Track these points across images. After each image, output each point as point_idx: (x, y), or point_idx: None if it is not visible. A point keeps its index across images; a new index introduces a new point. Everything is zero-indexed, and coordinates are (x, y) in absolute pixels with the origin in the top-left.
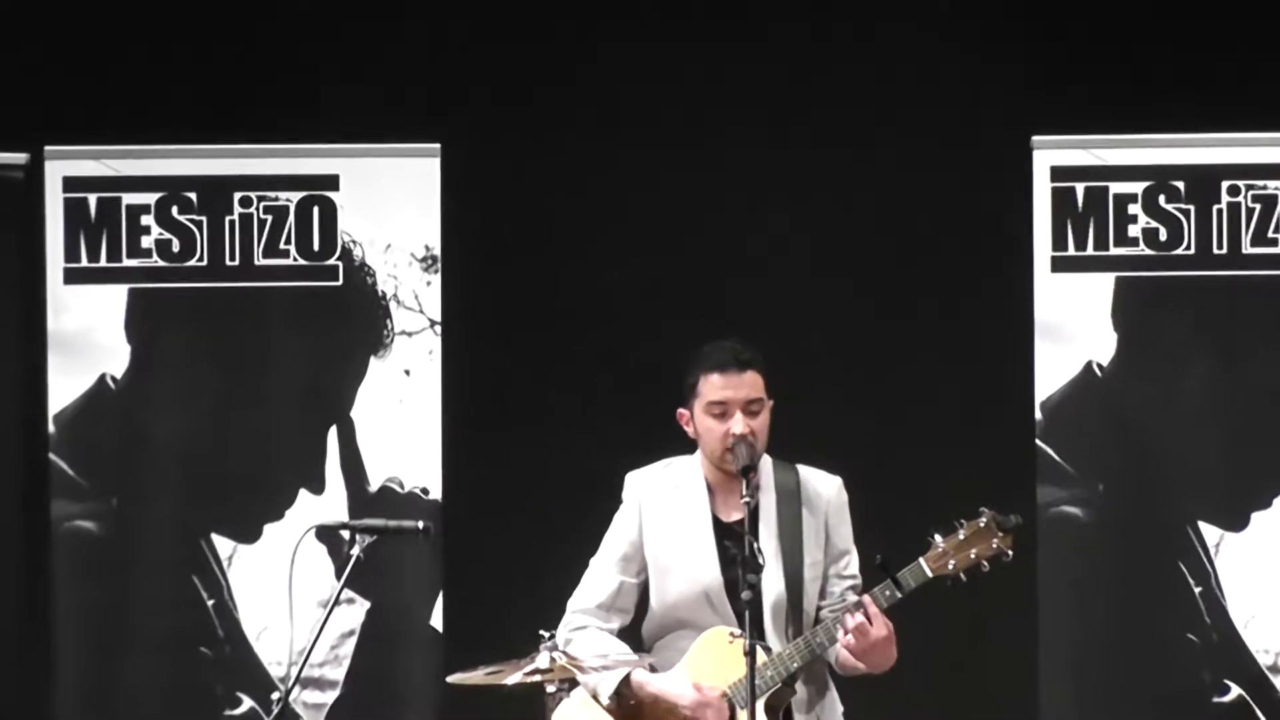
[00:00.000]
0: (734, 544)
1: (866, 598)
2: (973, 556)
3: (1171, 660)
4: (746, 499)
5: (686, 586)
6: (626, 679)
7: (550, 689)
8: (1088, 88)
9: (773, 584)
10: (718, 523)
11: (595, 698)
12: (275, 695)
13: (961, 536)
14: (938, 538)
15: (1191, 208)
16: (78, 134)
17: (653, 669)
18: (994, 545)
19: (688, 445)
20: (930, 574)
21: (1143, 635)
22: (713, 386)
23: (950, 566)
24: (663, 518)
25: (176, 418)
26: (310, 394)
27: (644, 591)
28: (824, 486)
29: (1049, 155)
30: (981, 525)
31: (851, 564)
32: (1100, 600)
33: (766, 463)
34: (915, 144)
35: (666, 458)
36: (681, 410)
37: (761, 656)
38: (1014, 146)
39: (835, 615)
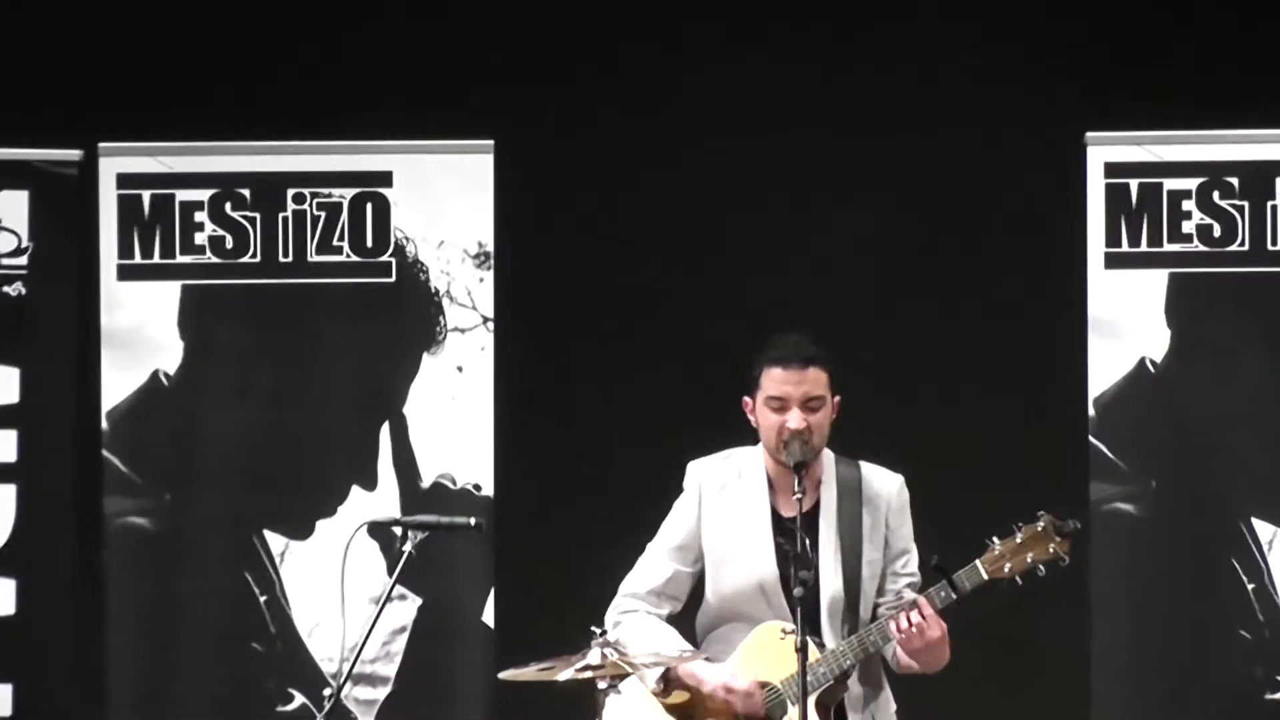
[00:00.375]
0: (791, 537)
1: (921, 598)
2: (1029, 560)
3: (1224, 656)
4: (798, 495)
5: (742, 579)
6: (674, 669)
7: (601, 685)
8: (1141, 84)
9: (830, 581)
10: (776, 516)
11: (643, 681)
12: (327, 691)
13: (1019, 540)
14: (995, 540)
15: (1246, 204)
16: (132, 131)
17: (707, 661)
18: (1050, 550)
19: (735, 438)
20: (986, 576)
21: (1195, 631)
22: (773, 380)
23: (1006, 570)
24: (722, 509)
25: (229, 414)
26: (363, 390)
27: (697, 581)
28: (885, 484)
29: (1103, 151)
30: (1039, 529)
31: (911, 563)
32: (1153, 596)
33: (829, 458)
34: (969, 141)
35: (718, 449)
36: (746, 399)
37: (814, 653)
38: (1068, 143)
39: (890, 614)
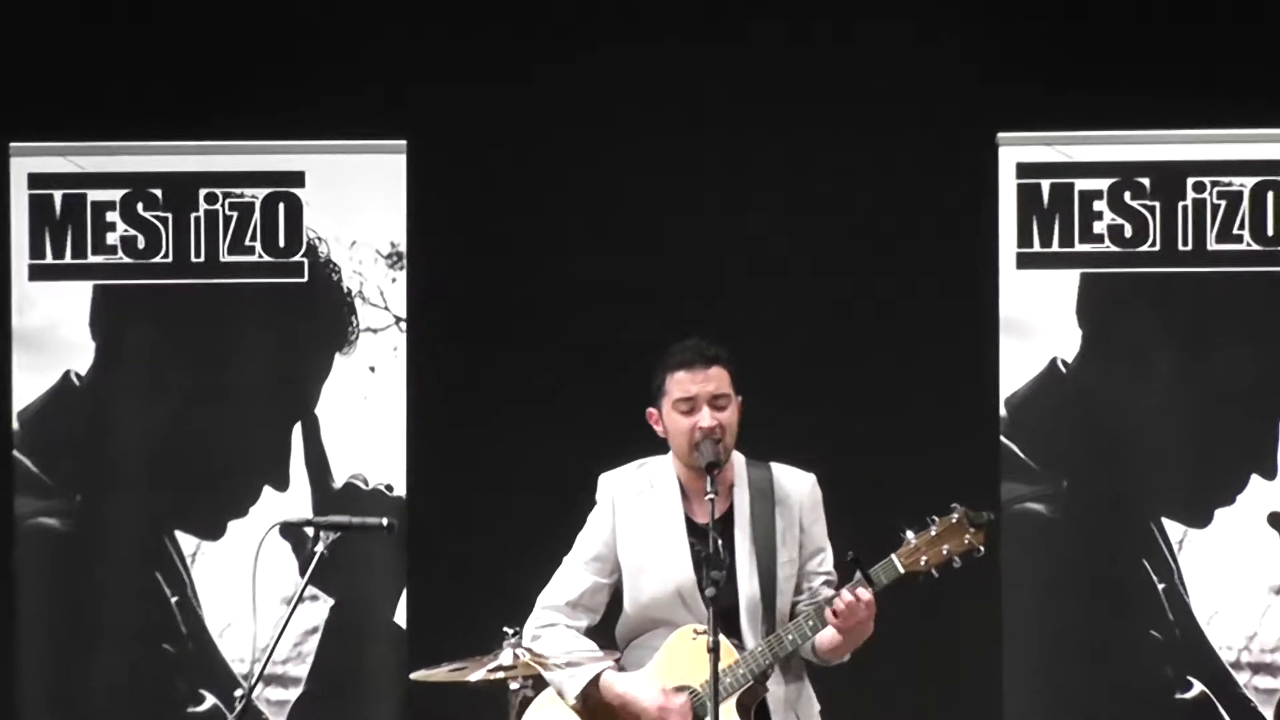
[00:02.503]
0: (707, 544)
1: (845, 590)
2: (945, 552)
3: (1135, 656)
4: (711, 495)
5: (660, 586)
6: (595, 679)
7: (514, 686)
8: (1053, 84)
9: (747, 583)
10: (690, 523)
11: (561, 696)
12: (238, 692)
13: (934, 532)
14: (910, 534)
15: (1157, 204)
16: (43, 130)
17: (621, 667)
18: (966, 541)
19: (651, 443)
20: (903, 570)
21: (1106, 631)
22: (679, 383)
23: (923, 562)
24: (636, 518)
25: (141, 415)
26: (275, 391)
27: (614, 592)
28: (797, 484)
29: (1014, 152)
30: (954, 521)
31: (826, 560)
32: (1064, 596)
33: (740, 461)
34: (880, 141)
35: (633, 454)
36: (650, 410)
37: (732, 654)
38: (979, 143)
39: (806, 612)
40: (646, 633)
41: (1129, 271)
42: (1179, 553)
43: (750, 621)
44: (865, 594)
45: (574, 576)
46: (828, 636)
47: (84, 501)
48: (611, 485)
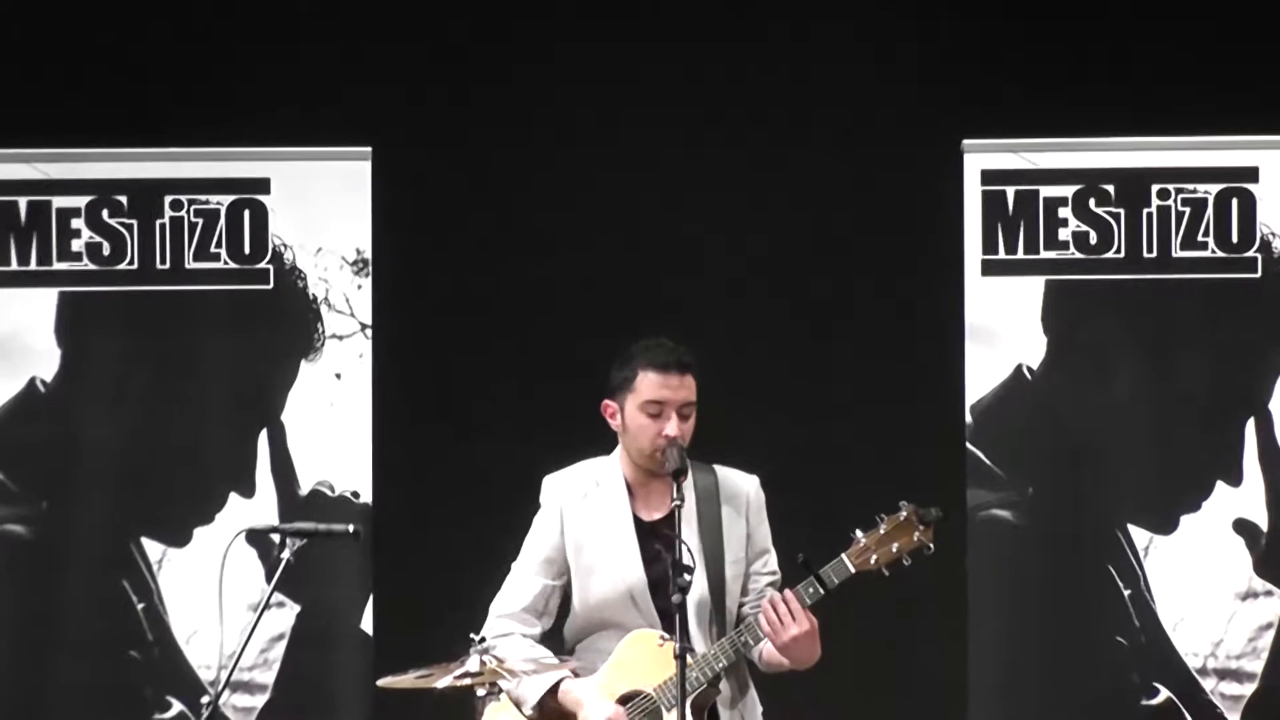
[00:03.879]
0: (656, 543)
1: (787, 592)
2: (894, 550)
3: (1101, 662)
4: (677, 502)
5: (610, 587)
6: (553, 688)
7: (480, 692)
8: (1018, 91)
9: (696, 584)
10: (639, 522)
11: (518, 705)
12: (205, 699)
13: (882, 531)
14: (859, 533)
15: (1121, 211)
16: (7, 137)
17: (576, 673)
18: (915, 538)
19: (609, 448)
20: (853, 569)
21: (1072, 638)
22: (651, 384)
23: (873, 561)
24: (583, 518)
25: (107, 421)
26: (241, 397)
27: (566, 594)
28: (742, 485)
29: (979, 159)
30: (902, 519)
31: (771, 561)
32: (1030, 603)
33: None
34: (844, 147)
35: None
36: (609, 402)
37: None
38: (944, 150)
39: (757, 613)
40: (595, 634)
41: (1094, 278)
42: (1145, 559)
43: (700, 623)
44: (782, 609)
45: (525, 582)
46: (771, 651)
47: (50, 508)
48: (556, 487)
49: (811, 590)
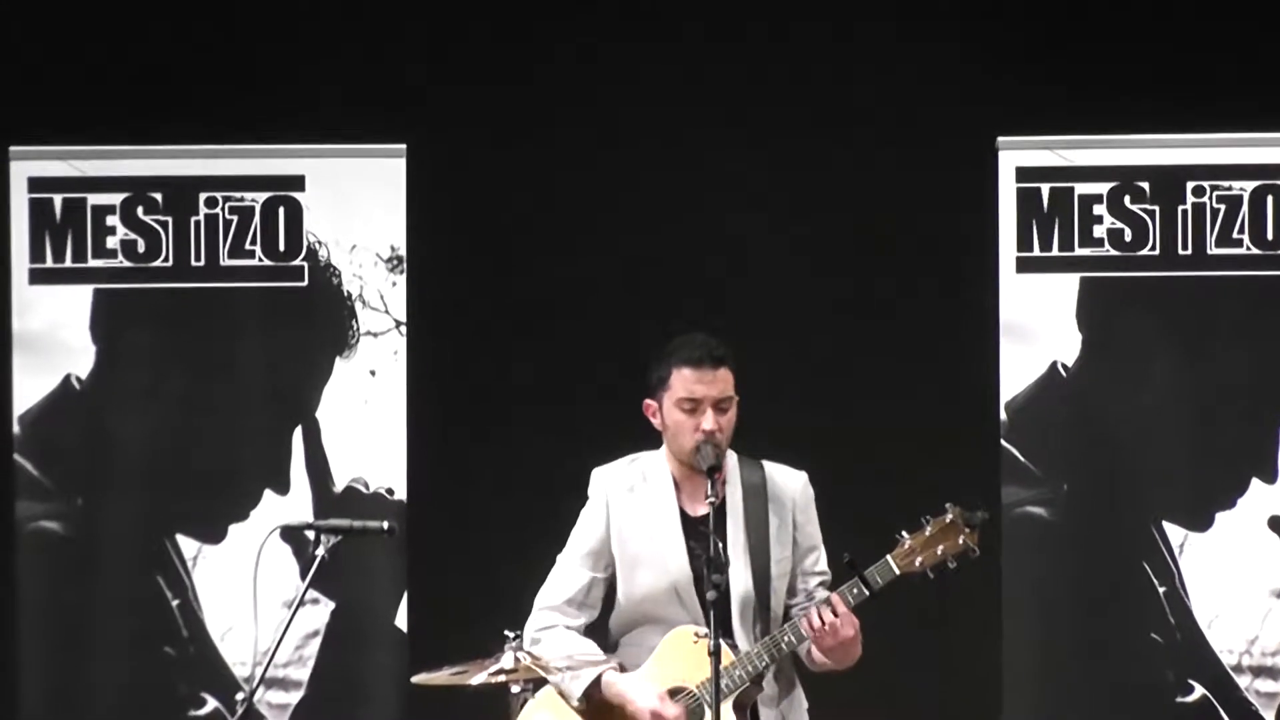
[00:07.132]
0: (701, 539)
1: (834, 595)
2: (940, 553)
3: (1135, 660)
4: (712, 499)
5: (655, 581)
6: (597, 680)
7: (515, 689)
8: (1053, 88)
9: (740, 581)
10: (685, 517)
11: (565, 698)
12: (239, 696)
13: (928, 533)
14: (905, 535)
15: (1156, 208)
16: (43, 134)
17: (621, 668)
18: (961, 542)
19: (652, 442)
20: (898, 571)
21: (1107, 635)
22: (685, 381)
23: (918, 564)
24: (630, 512)
25: (141, 418)
26: (275, 395)
27: (611, 587)
28: (790, 482)
29: (1014, 156)
30: (948, 521)
31: (820, 560)
32: (1064, 600)
33: (732, 459)
34: (880, 144)
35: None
36: (649, 401)
37: (729, 655)
38: (979, 147)
39: (803, 613)
40: (639, 628)
41: (1129, 275)
42: (1180, 556)
43: (743, 620)
44: (828, 616)
45: (570, 574)
46: (816, 650)
47: (85, 505)
48: (604, 480)
49: (855, 592)
